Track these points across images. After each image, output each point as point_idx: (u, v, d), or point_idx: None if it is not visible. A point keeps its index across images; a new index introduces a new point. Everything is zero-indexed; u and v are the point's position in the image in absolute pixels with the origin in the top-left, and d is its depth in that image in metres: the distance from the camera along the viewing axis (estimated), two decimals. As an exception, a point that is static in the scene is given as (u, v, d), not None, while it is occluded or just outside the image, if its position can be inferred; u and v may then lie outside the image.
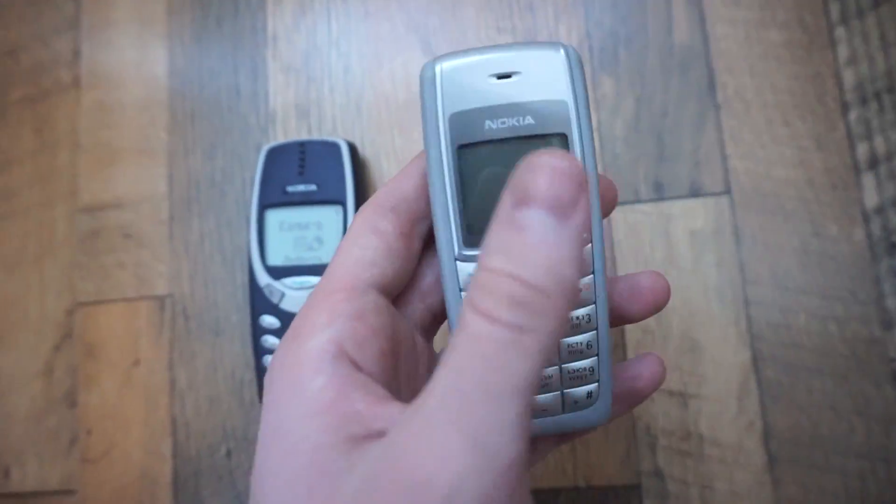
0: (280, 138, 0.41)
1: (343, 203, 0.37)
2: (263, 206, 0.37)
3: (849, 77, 0.36)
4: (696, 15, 0.38)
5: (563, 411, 0.22)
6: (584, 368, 0.22)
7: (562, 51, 0.21)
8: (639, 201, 0.37)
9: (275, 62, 0.42)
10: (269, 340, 0.36)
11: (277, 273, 0.36)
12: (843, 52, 0.36)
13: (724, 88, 0.37)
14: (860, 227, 0.35)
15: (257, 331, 0.36)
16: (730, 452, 0.34)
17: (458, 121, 0.21)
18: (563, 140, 0.21)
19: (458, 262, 0.21)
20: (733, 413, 0.35)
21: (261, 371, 0.36)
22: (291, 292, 0.36)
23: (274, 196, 0.37)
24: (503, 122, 0.21)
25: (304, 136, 0.41)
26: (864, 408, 0.34)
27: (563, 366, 0.22)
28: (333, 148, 0.37)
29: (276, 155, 0.38)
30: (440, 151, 0.21)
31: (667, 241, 0.37)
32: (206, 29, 0.43)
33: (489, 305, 0.15)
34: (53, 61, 0.44)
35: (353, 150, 0.38)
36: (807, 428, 0.34)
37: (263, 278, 0.36)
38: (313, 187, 0.37)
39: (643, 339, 0.36)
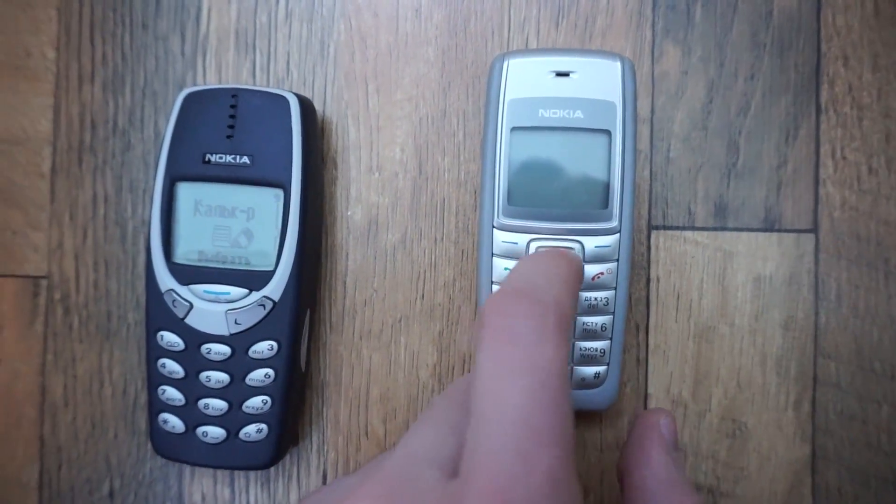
0: (211, 77, 0.30)
1: (286, 186, 0.26)
2: (174, 178, 0.26)
3: None
4: (813, -28, 0.27)
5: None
6: (596, 349, 0.24)
7: (618, 61, 0.24)
8: (691, 227, 0.27)
9: (212, -35, 0.30)
10: (169, 366, 0.26)
11: (186, 275, 0.26)
12: None
13: (831, 84, 0.27)
14: None
15: (153, 351, 0.26)
16: (762, 572, 0.26)
17: (516, 106, 0.24)
18: (607, 136, 0.24)
19: (494, 230, 0.24)
20: (776, 525, 0.26)
21: (154, 406, 0.27)
22: (203, 304, 0.26)
23: (190, 165, 0.26)
24: (555, 113, 0.24)
25: (242, 80, 0.29)
26: (948, 541, 0.26)
27: (577, 343, 0.24)
28: (279, 104, 0.26)
29: (198, 105, 0.26)
30: (496, 131, 0.24)
31: (721, 286, 0.27)
32: None
33: None
34: None
35: (306, 109, 0.27)
36: (869, 557, 0.26)
37: (166, 281, 0.26)
38: (246, 160, 0.26)
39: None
